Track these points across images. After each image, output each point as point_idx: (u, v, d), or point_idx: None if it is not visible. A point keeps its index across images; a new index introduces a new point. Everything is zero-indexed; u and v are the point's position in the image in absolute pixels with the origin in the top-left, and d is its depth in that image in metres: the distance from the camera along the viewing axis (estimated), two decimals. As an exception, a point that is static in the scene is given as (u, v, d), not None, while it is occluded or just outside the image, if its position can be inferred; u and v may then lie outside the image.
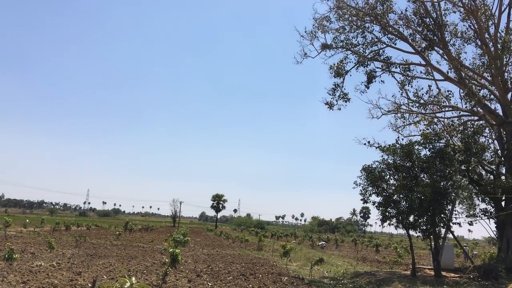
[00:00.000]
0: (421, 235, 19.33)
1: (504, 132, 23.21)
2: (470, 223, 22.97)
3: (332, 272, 21.56)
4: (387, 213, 19.63)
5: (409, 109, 27.90)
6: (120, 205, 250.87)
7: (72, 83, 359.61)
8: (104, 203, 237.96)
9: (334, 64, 26.45)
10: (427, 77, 26.77)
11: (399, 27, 24.88)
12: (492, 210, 23.74)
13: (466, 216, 24.67)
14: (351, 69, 26.49)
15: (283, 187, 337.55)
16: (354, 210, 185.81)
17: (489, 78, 24.52)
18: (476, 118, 26.04)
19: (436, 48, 24.53)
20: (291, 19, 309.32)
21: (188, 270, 17.35)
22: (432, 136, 20.30)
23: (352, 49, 26.17)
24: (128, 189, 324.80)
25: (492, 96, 25.00)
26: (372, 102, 28.35)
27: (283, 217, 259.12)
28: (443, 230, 19.73)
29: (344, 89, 26.83)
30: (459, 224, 20.06)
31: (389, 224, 20.26)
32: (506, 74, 23.23)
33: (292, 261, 25.08)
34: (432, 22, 23.85)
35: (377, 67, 26.46)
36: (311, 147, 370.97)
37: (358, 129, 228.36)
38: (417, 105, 27.44)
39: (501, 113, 23.39)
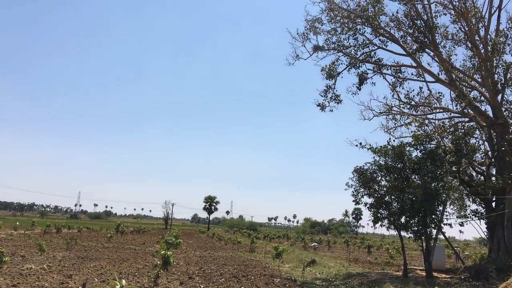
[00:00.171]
0: (412, 236, 19.39)
1: (494, 134, 23.39)
2: (461, 224, 23.16)
3: (324, 273, 21.59)
4: (378, 214, 19.70)
5: (400, 111, 28.06)
6: (111, 207, 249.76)
7: (62, 83, 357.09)
8: (96, 205, 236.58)
9: (326, 66, 26.57)
10: (418, 79, 26.95)
11: (390, 29, 25.03)
12: (483, 211, 23.97)
13: (457, 217, 24.94)
14: (342, 70, 26.62)
15: (275, 188, 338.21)
16: (346, 211, 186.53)
17: (479, 79, 24.72)
18: (466, 119, 26.26)
19: (427, 50, 24.69)
20: (287, 19, 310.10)
21: (180, 273, 17.27)
22: (423, 138, 20.42)
23: (343, 50, 26.26)
24: (120, 191, 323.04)
25: (482, 98, 25.19)
26: (363, 103, 28.63)
27: (275, 218, 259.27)
28: (434, 231, 19.82)
29: (336, 90, 27.02)
30: (450, 225, 20.24)
31: (381, 225, 20.29)
32: (496, 76, 23.43)
33: (285, 263, 25.08)
34: (423, 24, 23.99)
35: (369, 69, 26.62)
36: (304, 149, 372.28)
37: (351, 130, 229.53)
38: (408, 106, 27.61)
39: (491, 115, 23.59)
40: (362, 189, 20.31)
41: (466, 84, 25.76)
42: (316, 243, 51.66)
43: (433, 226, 19.34)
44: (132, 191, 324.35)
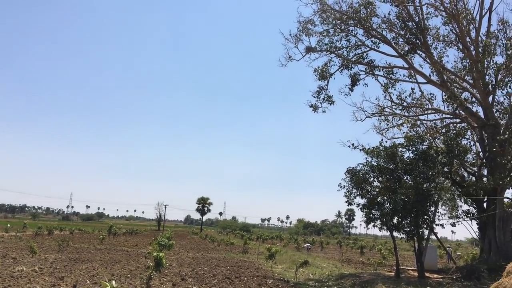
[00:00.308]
0: (404, 237, 19.49)
1: (486, 134, 23.57)
2: (453, 224, 23.30)
3: (317, 274, 21.63)
4: (371, 215, 19.78)
5: (392, 112, 28.15)
6: (104, 209, 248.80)
7: (53, 83, 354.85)
8: (88, 207, 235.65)
9: (319, 67, 26.64)
10: (410, 80, 27.06)
11: (382, 31, 25.16)
12: (474, 211, 24.11)
13: (449, 217, 25.04)
14: (335, 72, 26.71)
15: (268, 190, 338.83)
16: (339, 212, 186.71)
17: (470, 81, 24.92)
18: (458, 120, 26.44)
19: (418, 51, 24.85)
20: (280, 21, 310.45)
21: (172, 274, 17.22)
22: (415, 139, 20.52)
23: (336, 52, 26.35)
24: (112, 193, 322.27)
25: (473, 99, 25.38)
26: (356, 104, 28.64)
27: (268, 219, 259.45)
28: (426, 232, 19.93)
29: (329, 91, 27.08)
30: (442, 225, 20.35)
31: (374, 226, 20.39)
32: (487, 77, 23.62)
33: (278, 264, 25.08)
34: (415, 26, 24.13)
35: (361, 70, 26.74)
36: (297, 150, 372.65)
37: (344, 131, 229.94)
38: (400, 107, 27.70)
39: (482, 116, 23.79)
40: (355, 190, 20.40)
41: (458, 85, 25.94)
42: (309, 244, 51.68)
43: (425, 226, 19.46)
44: (125, 193, 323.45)
